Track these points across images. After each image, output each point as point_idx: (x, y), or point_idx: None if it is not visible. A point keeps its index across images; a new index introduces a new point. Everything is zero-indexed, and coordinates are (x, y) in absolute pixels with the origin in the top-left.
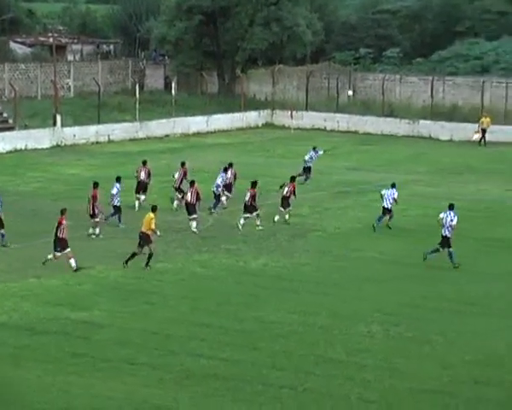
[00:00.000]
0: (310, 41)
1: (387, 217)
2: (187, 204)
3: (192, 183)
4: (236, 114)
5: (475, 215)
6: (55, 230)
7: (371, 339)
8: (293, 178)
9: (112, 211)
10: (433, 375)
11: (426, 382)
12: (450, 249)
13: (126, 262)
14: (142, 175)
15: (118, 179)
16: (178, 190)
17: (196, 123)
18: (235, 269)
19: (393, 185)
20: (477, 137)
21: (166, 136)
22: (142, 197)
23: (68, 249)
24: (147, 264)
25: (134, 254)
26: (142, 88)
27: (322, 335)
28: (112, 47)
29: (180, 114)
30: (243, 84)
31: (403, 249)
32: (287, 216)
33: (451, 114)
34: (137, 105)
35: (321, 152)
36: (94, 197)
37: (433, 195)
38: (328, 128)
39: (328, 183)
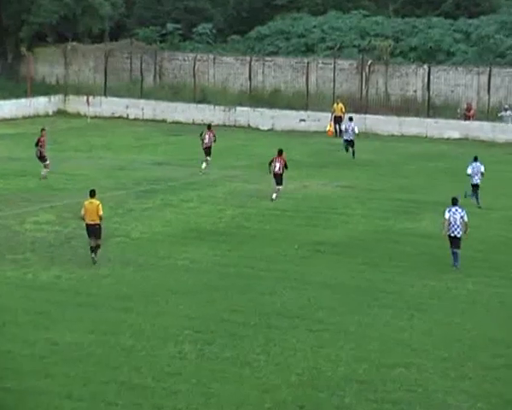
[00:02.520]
0: (108, 15)
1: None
2: None
3: None
4: (22, 100)
5: (300, 216)
6: None
7: (183, 361)
8: (280, 152)
9: None
10: (254, 400)
11: (245, 408)
12: (459, 251)
13: (95, 255)
14: (207, 138)
15: None
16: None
17: None
18: (22, 283)
19: (476, 159)
20: (329, 129)
21: None
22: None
23: None
24: (95, 256)
25: (92, 248)
26: None
27: (126, 357)
28: None
29: None
30: (30, 64)
31: (217, 256)
32: (274, 195)
33: (273, 100)
34: None
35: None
36: None
37: (253, 192)
38: (131, 116)
39: (131, 180)
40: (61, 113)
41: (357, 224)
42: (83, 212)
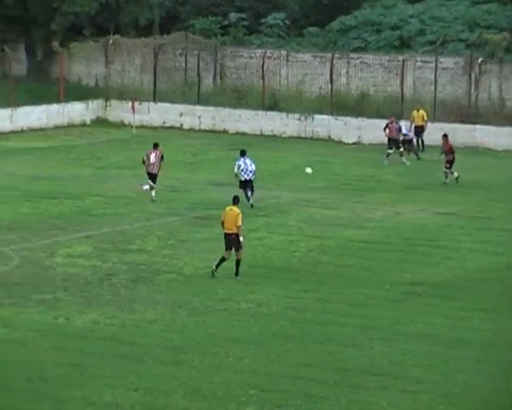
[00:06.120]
0: (158, 2)
1: None
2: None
3: None
4: (54, 106)
5: (392, 250)
6: None
7: None
8: (445, 135)
9: None
10: None
11: None
12: None
13: (216, 268)
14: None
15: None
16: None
17: None
18: (51, 329)
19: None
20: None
21: None
22: None
23: None
24: (237, 272)
25: (224, 259)
26: None
27: None
28: None
29: None
30: (63, 62)
31: (289, 299)
32: (455, 174)
33: (359, 107)
34: None
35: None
36: None
37: (333, 220)
38: (185, 126)
39: (184, 204)
40: (100, 121)
41: (463, 260)
42: (222, 218)
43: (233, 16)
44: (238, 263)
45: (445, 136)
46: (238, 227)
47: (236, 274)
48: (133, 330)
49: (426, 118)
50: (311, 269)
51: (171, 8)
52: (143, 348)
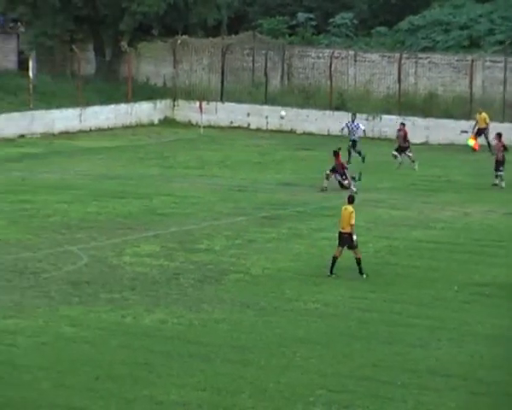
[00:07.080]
0: (226, 3)
1: None
2: None
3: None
4: (122, 106)
5: (460, 250)
6: None
7: None
8: (499, 135)
9: None
10: None
11: None
12: None
13: (331, 272)
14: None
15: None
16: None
17: (64, 118)
18: (119, 328)
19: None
20: (474, 143)
21: (21, 136)
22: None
23: None
24: (360, 271)
25: (335, 258)
26: None
27: None
28: None
29: (41, 106)
30: (131, 62)
31: (357, 299)
32: (502, 184)
33: (427, 107)
34: None
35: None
36: None
37: (401, 221)
38: (252, 126)
39: (252, 204)
40: (168, 121)
41: None
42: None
43: (301, 16)
44: (358, 262)
45: (499, 134)
46: (351, 226)
47: (361, 273)
48: (200, 330)
49: (488, 121)
50: (378, 269)
51: (239, 8)
52: (210, 347)
